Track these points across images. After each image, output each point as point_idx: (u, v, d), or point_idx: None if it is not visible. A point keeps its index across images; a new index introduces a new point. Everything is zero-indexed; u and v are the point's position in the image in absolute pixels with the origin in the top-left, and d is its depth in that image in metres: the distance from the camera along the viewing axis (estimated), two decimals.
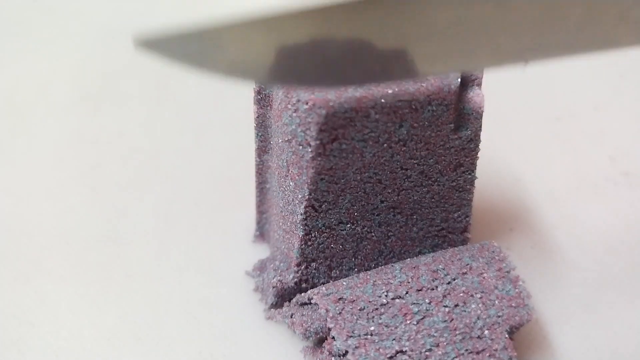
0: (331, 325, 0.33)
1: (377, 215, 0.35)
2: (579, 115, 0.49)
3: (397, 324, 0.33)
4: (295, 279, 0.36)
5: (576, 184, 0.44)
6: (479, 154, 0.35)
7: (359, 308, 0.33)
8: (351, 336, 0.32)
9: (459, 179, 0.35)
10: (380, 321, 0.33)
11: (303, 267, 0.36)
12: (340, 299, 0.33)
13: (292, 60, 0.27)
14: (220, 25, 0.25)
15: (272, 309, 0.37)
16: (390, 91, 0.32)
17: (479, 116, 0.34)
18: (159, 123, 0.49)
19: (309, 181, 0.33)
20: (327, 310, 0.33)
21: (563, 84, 0.52)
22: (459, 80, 0.33)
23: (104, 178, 0.45)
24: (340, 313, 0.33)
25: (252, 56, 0.26)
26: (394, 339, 0.32)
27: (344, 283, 0.34)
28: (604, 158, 0.46)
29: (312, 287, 0.36)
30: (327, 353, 0.33)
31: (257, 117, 0.36)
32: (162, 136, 0.48)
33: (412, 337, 0.32)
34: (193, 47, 0.25)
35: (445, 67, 0.30)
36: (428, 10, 0.28)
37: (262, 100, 0.35)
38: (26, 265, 0.40)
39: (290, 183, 0.34)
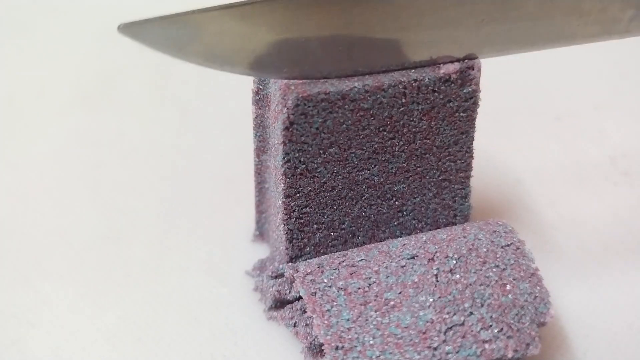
0: None
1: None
2: (579, 114, 0.49)
3: None
4: None
5: (576, 184, 0.44)
6: (479, 155, 0.35)
7: (359, 350, 0.31)
8: None
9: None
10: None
11: None
12: (340, 337, 0.32)
13: (279, 51, 0.27)
14: (198, 12, 0.26)
15: (272, 310, 0.37)
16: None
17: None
18: (159, 123, 0.49)
19: None
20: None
21: (563, 83, 0.52)
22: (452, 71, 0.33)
23: (104, 178, 0.45)
24: None
25: (228, 44, 0.27)
26: None
27: (345, 315, 0.32)
28: (604, 158, 0.46)
29: None
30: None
31: (256, 117, 0.36)
32: (162, 136, 0.48)
33: None
34: (172, 33, 0.26)
35: (404, 57, 0.30)
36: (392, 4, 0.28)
37: (261, 101, 0.35)
38: (26, 265, 0.40)
39: None
